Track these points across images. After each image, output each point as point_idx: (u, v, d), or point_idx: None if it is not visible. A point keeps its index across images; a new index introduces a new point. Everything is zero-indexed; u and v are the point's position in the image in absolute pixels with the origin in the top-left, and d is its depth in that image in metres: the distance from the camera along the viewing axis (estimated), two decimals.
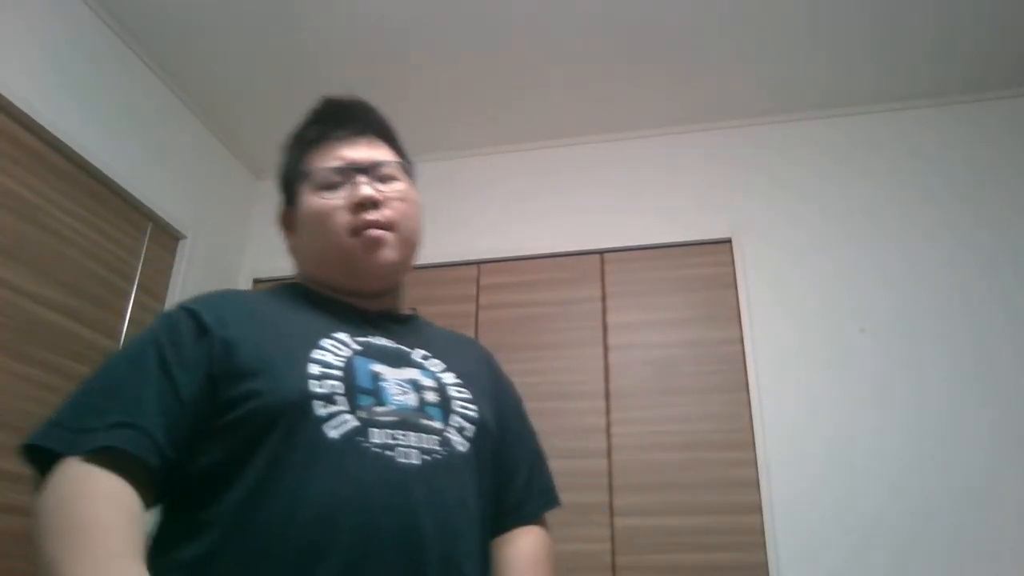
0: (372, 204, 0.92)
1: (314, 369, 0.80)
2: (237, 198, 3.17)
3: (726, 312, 2.62)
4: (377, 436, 0.77)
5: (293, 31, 2.51)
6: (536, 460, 1.02)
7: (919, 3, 2.34)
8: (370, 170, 0.95)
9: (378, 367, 0.84)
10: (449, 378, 0.90)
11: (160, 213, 2.61)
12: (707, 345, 2.59)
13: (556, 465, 2.95)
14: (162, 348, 0.79)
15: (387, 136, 1.02)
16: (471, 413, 0.87)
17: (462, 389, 0.90)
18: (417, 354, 0.91)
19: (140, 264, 2.54)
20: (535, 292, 2.81)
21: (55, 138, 2.17)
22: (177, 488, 0.76)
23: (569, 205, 2.94)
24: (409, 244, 0.97)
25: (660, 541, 2.37)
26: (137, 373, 0.78)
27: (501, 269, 2.88)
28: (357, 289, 0.95)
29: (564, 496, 2.84)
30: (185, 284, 2.71)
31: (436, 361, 0.92)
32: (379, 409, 0.80)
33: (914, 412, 2.37)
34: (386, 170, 0.97)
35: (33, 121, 2.09)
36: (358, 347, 0.86)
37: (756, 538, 2.31)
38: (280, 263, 3.24)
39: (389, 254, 0.93)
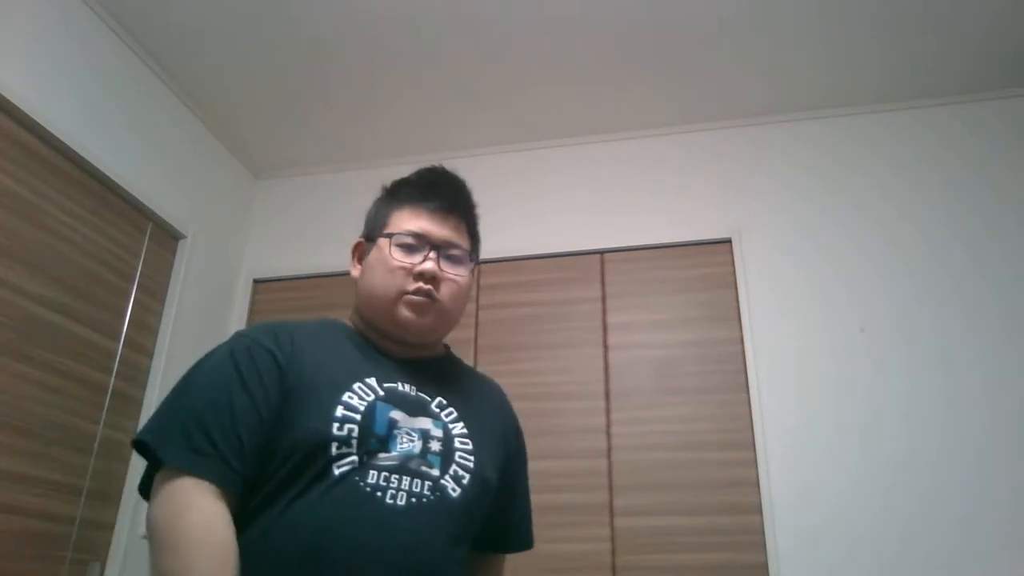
0: (431, 278, 1.05)
1: (339, 412, 0.92)
2: (237, 198, 3.17)
3: (726, 312, 2.62)
4: (373, 477, 0.90)
5: (293, 31, 2.51)
6: (524, 508, 1.19)
7: (919, 3, 2.34)
8: (442, 248, 1.08)
9: (397, 414, 0.96)
10: (458, 429, 1.02)
11: (160, 213, 2.61)
12: (707, 345, 2.59)
13: (556, 465, 2.94)
14: (243, 371, 0.94)
15: (470, 220, 1.15)
16: (469, 464, 0.99)
17: (466, 440, 1.01)
18: (435, 403, 1.03)
19: (140, 264, 2.54)
20: (535, 292, 2.81)
21: (55, 138, 2.17)
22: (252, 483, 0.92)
23: (569, 205, 2.94)
24: (446, 318, 1.09)
25: (660, 541, 2.37)
26: (226, 395, 0.91)
27: (501, 269, 2.87)
28: (394, 336, 1.07)
29: (564, 496, 2.81)
30: (185, 284, 2.71)
31: (451, 411, 1.03)
32: (383, 454, 0.92)
33: (913, 412, 2.37)
34: (455, 252, 1.09)
35: (33, 121, 2.09)
36: (382, 393, 0.98)
37: (756, 538, 2.31)
38: (279, 263, 3.26)
39: (424, 319, 1.05)
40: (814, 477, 2.35)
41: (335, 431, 0.90)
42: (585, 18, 2.42)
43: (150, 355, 2.56)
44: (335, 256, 2.99)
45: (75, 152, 2.24)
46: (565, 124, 2.97)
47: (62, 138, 2.18)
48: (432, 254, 1.06)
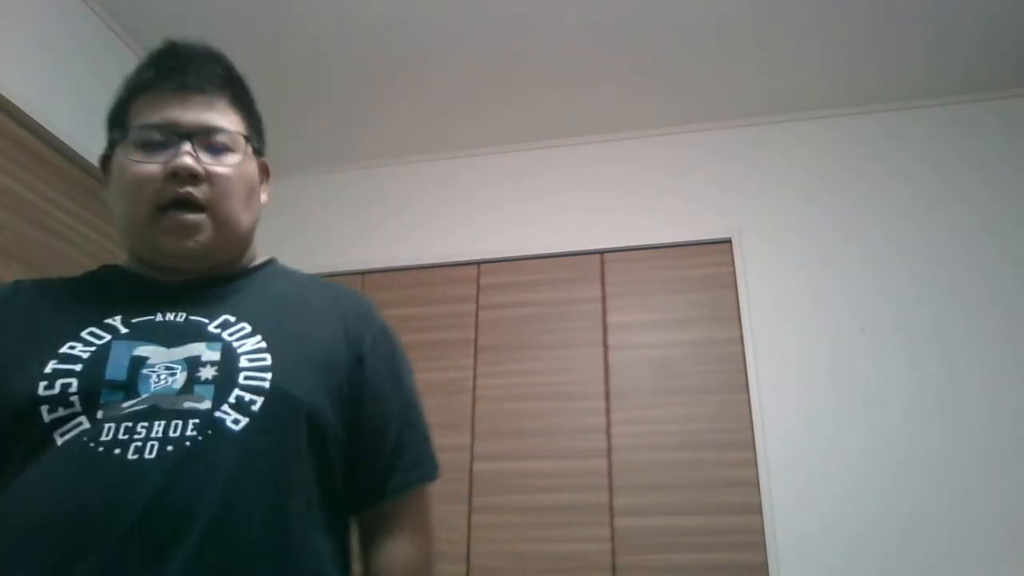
0: (190, 177, 0.82)
1: (49, 368, 0.73)
2: None
3: (726, 312, 2.62)
4: (108, 432, 0.70)
5: (292, 32, 2.51)
6: (402, 428, 0.90)
7: (918, 3, 2.34)
8: (198, 136, 0.84)
9: (146, 350, 0.77)
10: (248, 345, 0.80)
11: None
12: (707, 345, 2.59)
13: (556, 465, 2.92)
14: None
15: (235, 96, 0.90)
16: (262, 384, 0.77)
17: (261, 356, 0.79)
18: (216, 323, 0.81)
19: None
20: (535, 292, 2.81)
21: (55, 138, 2.16)
22: None
23: (569, 205, 2.94)
24: (227, 227, 0.86)
25: (660, 541, 2.37)
26: None
27: (501, 269, 2.87)
28: (163, 265, 0.86)
29: (564, 496, 2.80)
30: None
31: (242, 326, 0.82)
32: (126, 404, 0.73)
33: (913, 412, 2.37)
34: (219, 138, 0.85)
35: (33, 121, 2.09)
36: (127, 331, 0.79)
37: (756, 538, 2.31)
38: (281, 262, 3.25)
39: (196, 239, 0.83)
40: (814, 477, 2.35)
41: (42, 391, 0.71)
42: (585, 18, 2.42)
43: None
44: (335, 256, 3.00)
45: (75, 152, 2.23)
46: (565, 124, 2.97)
47: (62, 138, 2.18)
48: (186, 146, 0.82)
